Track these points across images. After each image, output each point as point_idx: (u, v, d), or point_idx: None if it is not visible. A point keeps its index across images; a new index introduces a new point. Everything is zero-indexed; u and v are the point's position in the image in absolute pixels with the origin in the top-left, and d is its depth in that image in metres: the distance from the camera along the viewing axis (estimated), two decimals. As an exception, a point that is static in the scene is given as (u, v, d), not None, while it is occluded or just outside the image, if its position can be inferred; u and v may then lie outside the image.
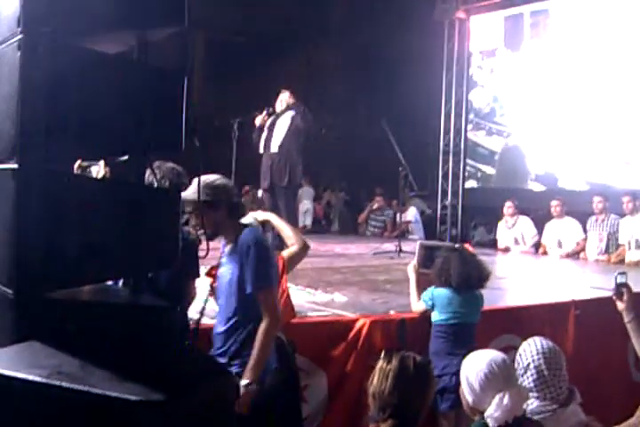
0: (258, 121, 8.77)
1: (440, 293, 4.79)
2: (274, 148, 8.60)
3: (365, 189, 14.98)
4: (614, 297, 3.98)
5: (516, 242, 10.40)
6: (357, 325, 4.75)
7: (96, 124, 2.35)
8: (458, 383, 3.37)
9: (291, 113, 8.65)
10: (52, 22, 2.23)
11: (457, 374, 3.47)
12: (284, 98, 8.81)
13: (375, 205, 13.05)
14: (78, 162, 5.68)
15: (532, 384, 3.45)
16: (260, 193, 9.80)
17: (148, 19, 2.50)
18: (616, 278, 4.05)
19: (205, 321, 4.49)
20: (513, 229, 10.44)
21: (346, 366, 4.67)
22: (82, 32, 2.37)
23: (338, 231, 14.05)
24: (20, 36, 2.21)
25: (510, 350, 3.66)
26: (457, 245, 5.06)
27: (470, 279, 4.75)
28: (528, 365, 3.49)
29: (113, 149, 2.61)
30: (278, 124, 8.67)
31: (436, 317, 4.78)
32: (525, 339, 3.68)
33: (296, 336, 4.32)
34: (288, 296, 4.19)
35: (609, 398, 5.39)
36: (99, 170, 6.00)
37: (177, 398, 1.98)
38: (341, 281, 6.69)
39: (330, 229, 14.41)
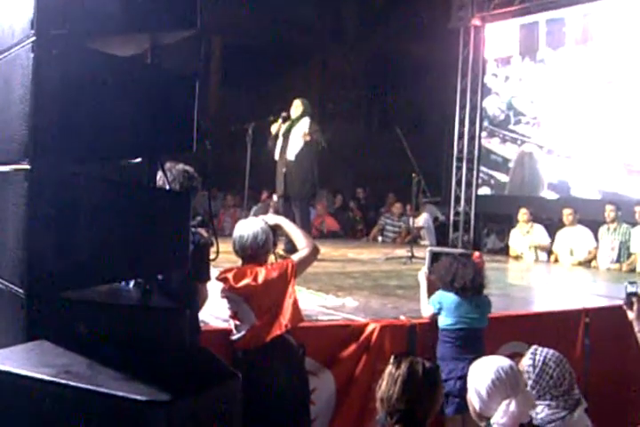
0: (274, 129, 8.73)
1: (447, 296, 4.79)
2: (290, 155, 8.55)
3: (378, 195, 14.94)
4: (625, 307, 3.97)
5: (530, 249, 10.37)
6: (368, 329, 4.75)
7: (108, 126, 2.37)
8: (462, 388, 3.36)
9: (307, 120, 8.62)
10: (66, 25, 2.26)
11: (462, 378, 3.46)
12: (299, 104, 8.77)
13: (387, 214, 12.96)
14: None
15: (545, 394, 3.43)
16: (274, 198, 9.76)
17: (161, 22, 2.52)
18: (626, 288, 4.05)
19: (215, 324, 4.52)
20: (527, 236, 10.41)
21: (355, 369, 4.67)
22: (95, 35, 2.40)
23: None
24: (33, 39, 2.23)
25: (518, 357, 3.63)
26: (467, 252, 5.04)
27: (474, 282, 4.74)
28: (538, 374, 3.46)
29: (124, 152, 2.63)
30: (294, 132, 8.62)
31: (442, 321, 4.78)
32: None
33: (306, 340, 4.32)
34: (295, 300, 4.19)
35: (623, 406, 5.37)
36: None
37: (183, 398, 2.00)
38: (353, 286, 6.70)
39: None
